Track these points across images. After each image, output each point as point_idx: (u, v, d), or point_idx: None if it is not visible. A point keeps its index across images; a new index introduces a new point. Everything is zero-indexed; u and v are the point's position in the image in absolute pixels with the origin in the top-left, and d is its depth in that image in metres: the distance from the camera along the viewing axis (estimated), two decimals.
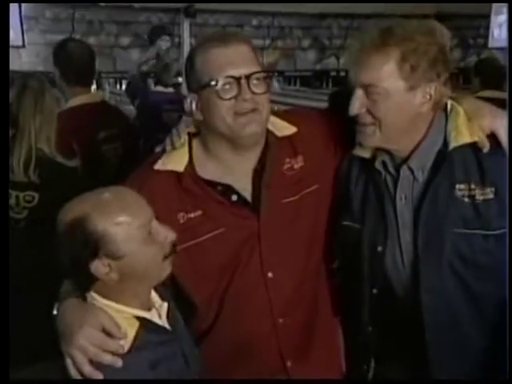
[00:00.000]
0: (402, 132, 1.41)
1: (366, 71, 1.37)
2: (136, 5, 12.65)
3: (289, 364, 1.54)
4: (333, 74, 14.04)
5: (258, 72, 1.45)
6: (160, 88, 5.17)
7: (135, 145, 2.98)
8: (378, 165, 1.46)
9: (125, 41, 13.26)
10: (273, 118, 1.54)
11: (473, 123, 1.38)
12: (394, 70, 1.37)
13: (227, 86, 1.41)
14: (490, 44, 17.57)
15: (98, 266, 1.22)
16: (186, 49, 14.49)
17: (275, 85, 13.58)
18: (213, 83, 1.42)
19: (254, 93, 1.42)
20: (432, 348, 1.42)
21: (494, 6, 16.37)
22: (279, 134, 1.56)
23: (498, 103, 1.53)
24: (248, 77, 1.42)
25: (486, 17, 16.46)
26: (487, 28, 17.13)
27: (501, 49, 16.56)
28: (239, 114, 1.42)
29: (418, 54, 1.38)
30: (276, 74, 14.17)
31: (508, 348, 1.26)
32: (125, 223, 1.21)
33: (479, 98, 1.57)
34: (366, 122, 1.39)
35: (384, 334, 1.51)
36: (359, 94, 1.38)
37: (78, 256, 1.21)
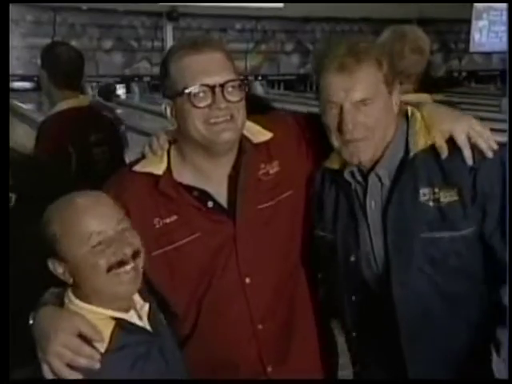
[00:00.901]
0: (384, 139, 1.40)
1: (357, 87, 1.34)
2: (120, 8, 12.62)
3: (269, 369, 1.50)
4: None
5: (232, 80, 1.42)
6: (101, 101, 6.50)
7: (121, 148, 2.95)
8: (347, 175, 1.45)
9: (107, 44, 13.21)
10: (248, 124, 1.49)
11: (432, 128, 1.39)
12: (379, 76, 1.37)
13: (201, 95, 1.38)
14: (471, 48, 17.84)
15: (54, 264, 1.25)
16: None
17: (259, 88, 13.64)
18: (187, 91, 1.39)
19: (228, 101, 1.39)
20: (408, 351, 1.40)
21: (475, 10, 16.60)
22: (254, 139, 1.51)
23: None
24: (222, 85, 1.39)
25: (467, 22, 16.73)
26: (468, 33, 17.42)
27: (481, 53, 16.92)
28: (212, 123, 1.40)
29: (387, 57, 1.41)
30: (260, 77, 14.22)
31: (508, 348, 1.29)
32: (74, 230, 1.22)
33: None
34: (358, 137, 1.36)
35: (367, 339, 1.49)
36: (349, 108, 1.36)
37: (43, 250, 1.26)
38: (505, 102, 4.65)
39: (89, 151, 2.53)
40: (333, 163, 1.49)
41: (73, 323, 1.22)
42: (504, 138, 1.46)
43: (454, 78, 16.35)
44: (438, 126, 1.39)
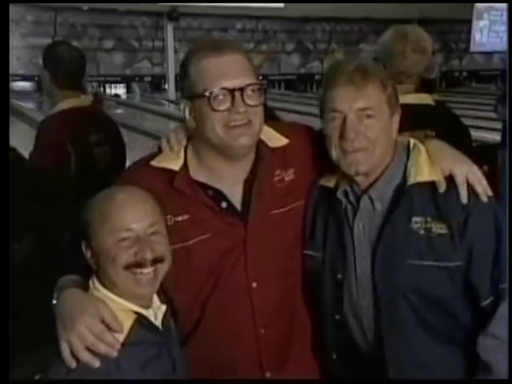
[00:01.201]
0: (382, 158, 1.42)
1: (361, 97, 1.37)
2: (120, 8, 12.63)
3: (268, 375, 1.49)
4: (317, 77, 14.16)
5: (252, 84, 1.41)
6: None
7: (122, 148, 2.95)
8: (339, 194, 1.46)
9: (108, 44, 13.25)
10: (266, 128, 1.49)
11: (434, 163, 1.42)
12: (382, 97, 1.41)
13: (221, 97, 1.37)
14: (472, 48, 17.87)
15: (85, 247, 1.30)
16: (170, 52, 14.52)
17: None
18: (206, 94, 1.38)
19: (247, 105, 1.38)
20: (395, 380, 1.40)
21: (475, 10, 16.62)
22: (271, 144, 1.50)
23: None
24: (242, 89, 1.38)
25: (468, 22, 16.75)
26: (469, 33, 17.45)
27: (482, 53, 16.94)
28: (231, 127, 1.39)
29: (392, 82, 1.47)
30: (260, 77, 14.23)
31: (508, 348, 1.28)
32: (107, 222, 1.26)
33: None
34: (358, 147, 1.38)
35: (347, 363, 1.49)
36: (352, 118, 1.38)
37: (78, 231, 1.32)
38: (501, 108, 4.65)
39: (89, 151, 2.52)
40: (328, 181, 1.50)
41: (98, 308, 1.24)
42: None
43: (455, 78, 16.38)
44: (439, 162, 1.42)
